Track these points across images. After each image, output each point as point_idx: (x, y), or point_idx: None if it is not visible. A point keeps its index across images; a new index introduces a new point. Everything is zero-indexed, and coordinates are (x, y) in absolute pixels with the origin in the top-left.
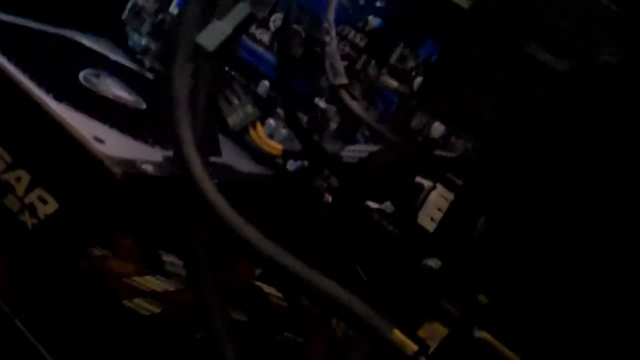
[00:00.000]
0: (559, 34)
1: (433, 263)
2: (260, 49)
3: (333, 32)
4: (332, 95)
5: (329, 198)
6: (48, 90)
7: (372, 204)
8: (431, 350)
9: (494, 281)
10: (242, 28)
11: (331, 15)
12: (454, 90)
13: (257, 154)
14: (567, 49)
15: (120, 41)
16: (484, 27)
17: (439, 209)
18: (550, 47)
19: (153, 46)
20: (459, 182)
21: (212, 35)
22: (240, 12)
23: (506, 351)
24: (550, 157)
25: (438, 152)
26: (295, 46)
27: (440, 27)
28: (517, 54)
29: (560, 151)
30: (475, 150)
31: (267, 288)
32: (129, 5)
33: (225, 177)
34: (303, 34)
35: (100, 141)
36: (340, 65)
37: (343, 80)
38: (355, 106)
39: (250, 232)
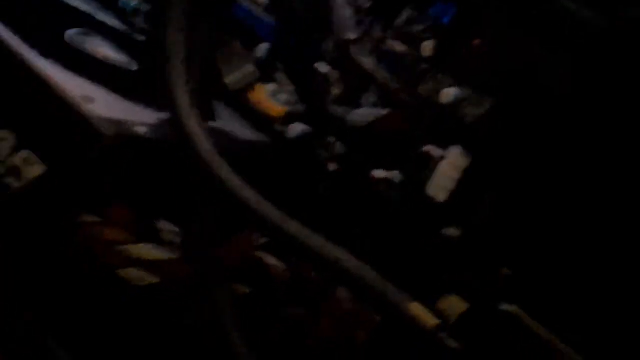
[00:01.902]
0: None
1: (452, 232)
2: (259, 11)
3: None
4: (340, 53)
5: (333, 166)
6: (33, 47)
7: (379, 174)
8: (451, 323)
9: (516, 253)
10: None
11: None
12: (479, 49)
13: (255, 120)
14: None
15: (110, 2)
16: None
17: (451, 178)
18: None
19: (143, 7)
20: (471, 150)
21: None
22: None
23: (533, 324)
24: (575, 120)
25: (449, 118)
26: (296, 7)
27: None
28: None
29: (585, 115)
30: (489, 116)
31: (269, 259)
32: None
33: (221, 143)
34: None
35: (90, 100)
36: (349, 18)
37: (353, 35)
38: (367, 62)
39: (254, 198)
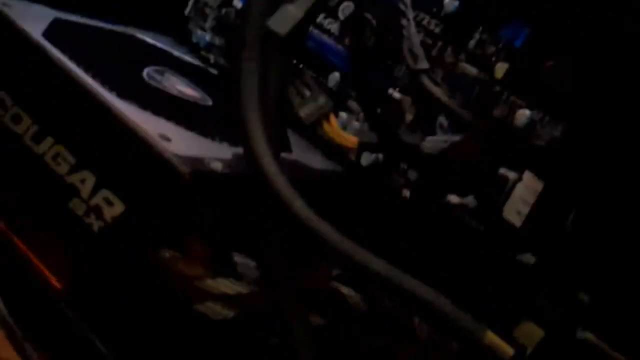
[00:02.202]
0: None
1: (527, 259)
2: (330, 40)
3: (410, 14)
4: (412, 82)
5: (407, 193)
6: (112, 89)
7: (454, 199)
8: (528, 353)
9: (595, 277)
10: (313, 12)
11: None
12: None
13: (328, 149)
14: None
15: (183, 38)
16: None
17: (526, 202)
18: None
19: (217, 41)
20: (547, 172)
21: (283, 19)
22: None
23: (613, 354)
24: None
25: (523, 141)
26: (367, 35)
27: (524, 8)
28: (611, 31)
29: None
30: (564, 138)
31: (345, 289)
32: (191, 1)
33: (297, 174)
34: (374, 23)
35: (167, 139)
36: (420, 48)
37: (424, 64)
38: (438, 92)
39: (327, 230)
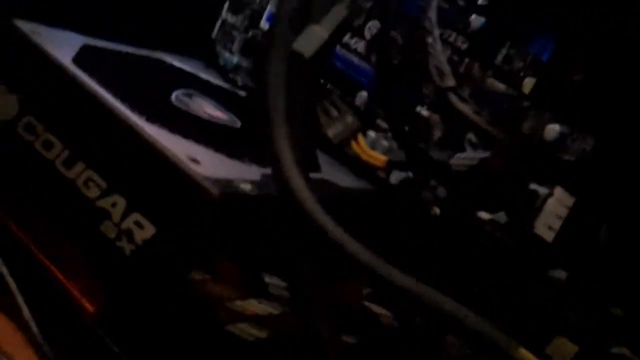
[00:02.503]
0: None
1: (559, 274)
2: (356, 59)
3: (436, 33)
4: (440, 100)
5: (437, 211)
6: (141, 113)
7: (485, 215)
8: None
9: (628, 291)
10: (338, 33)
11: (432, 14)
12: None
13: (358, 167)
14: None
15: (211, 61)
16: (606, 17)
17: (558, 217)
18: None
19: (245, 63)
20: (578, 187)
21: (308, 41)
22: (337, 14)
23: None
24: None
25: (553, 156)
26: (393, 53)
27: (551, 22)
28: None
29: None
30: (595, 152)
31: (376, 308)
32: (218, 24)
33: (326, 193)
34: (400, 41)
35: (196, 161)
36: (446, 66)
37: (451, 82)
38: (466, 109)
39: (358, 249)
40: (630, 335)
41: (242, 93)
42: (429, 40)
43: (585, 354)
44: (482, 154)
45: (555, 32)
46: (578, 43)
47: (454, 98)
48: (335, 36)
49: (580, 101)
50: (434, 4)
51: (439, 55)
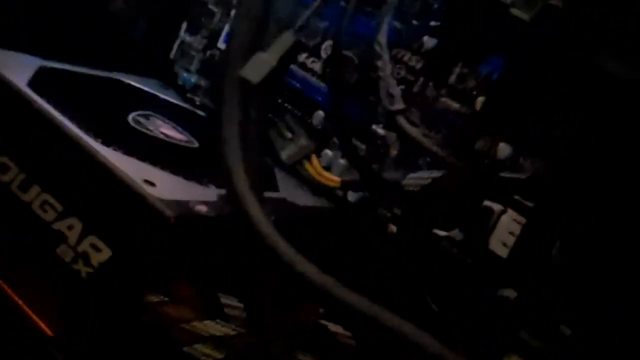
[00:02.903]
0: (633, 41)
1: (509, 293)
2: (313, 79)
3: (386, 56)
4: (390, 122)
5: (393, 228)
6: (97, 136)
7: (440, 232)
8: None
9: (576, 310)
10: (288, 58)
11: (383, 39)
12: (519, 107)
13: (315, 186)
14: None
15: (170, 80)
16: (548, 39)
17: (511, 234)
18: (623, 57)
19: (203, 83)
20: (531, 204)
21: (256, 68)
22: (285, 41)
23: None
24: (628, 171)
25: (506, 174)
26: (349, 73)
27: (501, 43)
28: (585, 66)
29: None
30: (547, 170)
31: (333, 327)
32: (176, 44)
33: (284, 213)
34: (356, 60)
35: (152, 184)
36: (396, 89)
37: (400, 105)
38: (414, 132)
39: (310, 270)
40: (578, 355)
41: (201, 113)
42: (379, 63)
43: None
44: (434, 174)
45: (504, 52)
46: (526, 63)
47: (402, 121)
48: (284, 63)
49: (532, 120)
50: (385, 27)
51: (389, 78)
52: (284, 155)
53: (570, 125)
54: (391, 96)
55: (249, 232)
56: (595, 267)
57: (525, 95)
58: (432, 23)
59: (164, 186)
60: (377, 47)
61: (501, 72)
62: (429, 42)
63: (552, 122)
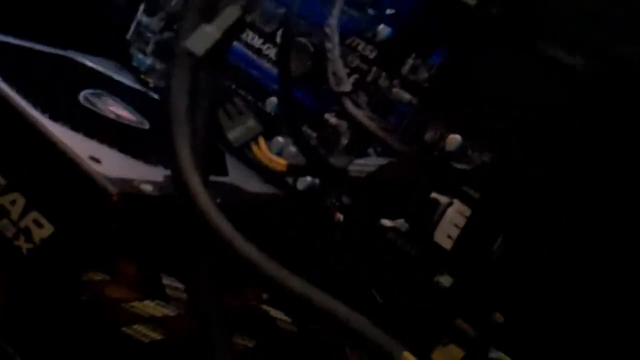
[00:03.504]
0: (574, 28)
1: (444, 280)
2: (267, 64)
3: (336, 39)
4: (336, 104)
5: (340, 217)
6: (44, 111)
7: (386, 222)
8: None
9: (510, 299)
10: (232, 32)
11: (333, 21)
12: (464, 96)
13: (265, 173)
14: (583, 44)
15: (125, 62)
16: (492, 25)
17: (456, 226)
18: (564, 43)
19: (158, 65)
20: (476, 196)
21: (200, 40)
22: (230, 15)
23: None
24: (573, 165)
25: (454, 166)
26: (303, 60)
27: (449, 32)
28: (528, 53)
29: (582, 159)
30: (493, 163)
31: (275, 312)
32: (133, 25)
33: (231, 197)
34: (311, 48)
35: (97, 161)
36: (343, 71)
37: (346, 87)
38: (359, 114)
39: (251, 251)
40: (509, 341)
41: (154, 95)
42: (328, 45)
43: (469, 358)
44: (380, 162)
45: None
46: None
47: (348, 103)
48: (228, 35)
49: (480, 112)
50: (336, 11)
51: (337, 61)
52: (231, 136)
53: (514, 117)
54: (338, 78)
55: (191, 212)
56: (531, 259)
57: (472, 85)
58: (388, 12)
59: (109, 164)
60: (327, 30)
61: (446, 61)
62: (383, 31)
63: (501, 113)
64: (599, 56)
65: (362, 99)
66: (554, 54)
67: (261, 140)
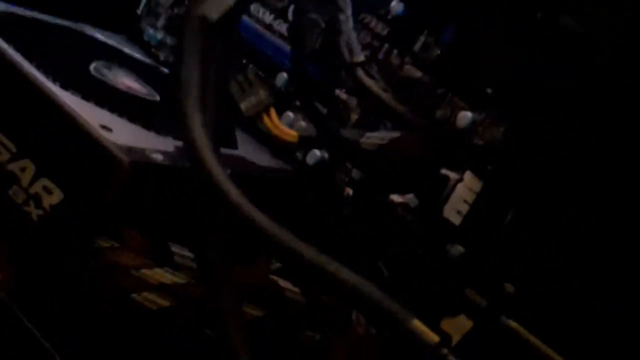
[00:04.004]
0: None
1: (455, 250)
2: (278, 40)
3: (349, 11)
4: (348, 75)
5: (350, 192)
6: (55, 80)
7: (396, 198)
8: (455, 342)
9: (521, 269)
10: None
11: None
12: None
13: (275, 147)
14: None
15: (135, 36)
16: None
17: (466, 202)
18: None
19: (168, 40)
20: (487, 172)
21: (214, 5)
22: None
23: (533, 339)
24: (583, 142)
25: (465, 141)
26: (314, 35)
27: (460, 9)
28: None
29: (592, 136)
30: (504, 139)
31: (283, 283)
32: (144, 0)
33: (241, 170)
34: (322, 24)
35: (108, 129)
36: (356, 42)
37: (359, 57)
38: (373, 85)
39: (261, 218)
40: (520, 311)
41: (165, 69)
42: (341, 17)
43: (479, 328)
44: (392, 134)
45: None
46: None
47: (361, 73)
48: (244, 1)
49: (492, 89)
50: None
51: (350, 32)
52: (243, 106)
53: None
54: (351, 48)
55: (202, 180)
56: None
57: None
58: None
59: (120, 132)
60: (339, 2)
61: (456, 37)
62: (396, 7)
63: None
64: (613, 29)
65: (375, 74)
66: (566, 26)
67: (272, 111)
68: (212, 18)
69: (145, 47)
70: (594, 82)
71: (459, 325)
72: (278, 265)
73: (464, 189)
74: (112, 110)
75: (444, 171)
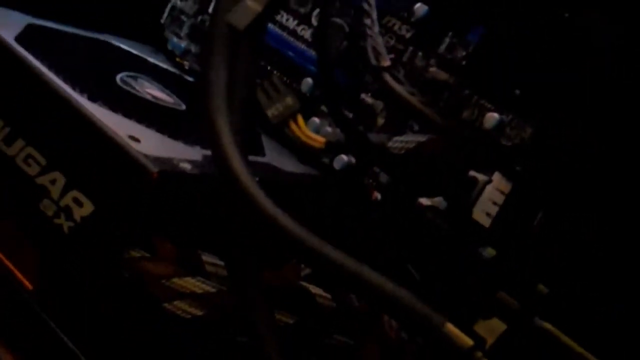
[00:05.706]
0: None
1: (486, 253)
2: (302, 46)
3: (374, 15)
4: (375, 80)
5: (378, 196)
6: (83, 91)
7: (425, 201)
8: (489, 345)
9: (553, 270)
10: (273, 6)
11: None
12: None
13: (301, 153)
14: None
15: (159, 45)
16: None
17: (495, 204)
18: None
19: (193, 48)
20: (516, 173)
21: (241, 14)
22: None
23: (568, 340)
24: (612, 143)
25: (493, 142)
26: (338, 40)
27: (485, 9)
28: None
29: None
30: (532, 140)
31: (314, 289)
32: (168, 9)
33: (269, 177)
34: (347, 28)
35: (136, 140)
36: (382, 46)
37: (386, 61)
38: (400, 89)
39: (291, 224)
40: (554, 312)
41: (190, 78)
42: (367, 22)
43: (513, 330)
44: (419, 138)
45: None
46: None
47: (388, 77)
48: (270, 10)
49: (520, 89)
50: None
51: (376, 36)
52: (270, 113)
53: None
54: (378, 53)
55: (231, 187)
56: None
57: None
58: None
59: (148, 143)
60: (365, 6)
61: (483, 39)
62: (419, 10)
63: (540, 92)
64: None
65: (402, 73)
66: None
67: (299, 118)
68: (239, 27)
69: (169, 56)
70: (622, 82)
71: (492, 328)
72: (307, 270)
73: (493, 191)
74: (139, 120)
75: (472, 173)
